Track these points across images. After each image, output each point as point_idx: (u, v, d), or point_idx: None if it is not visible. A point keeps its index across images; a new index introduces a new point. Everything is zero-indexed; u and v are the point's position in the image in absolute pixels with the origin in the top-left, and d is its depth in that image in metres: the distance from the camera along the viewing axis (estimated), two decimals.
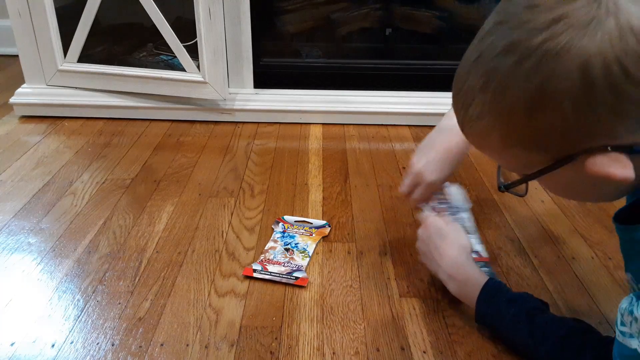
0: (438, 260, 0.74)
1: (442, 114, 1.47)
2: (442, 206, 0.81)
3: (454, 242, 0.74)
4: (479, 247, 0.78)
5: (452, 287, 0.73)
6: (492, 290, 0.68)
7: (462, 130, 0.53)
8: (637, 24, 0.40)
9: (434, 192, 0.81)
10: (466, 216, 0.82)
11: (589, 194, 0.54)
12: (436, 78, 1.43)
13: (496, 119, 0.48)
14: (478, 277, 0.70)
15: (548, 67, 0.43)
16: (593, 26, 0.41)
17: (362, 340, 0.71)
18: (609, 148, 0.45)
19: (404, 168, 1.17)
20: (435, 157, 0.80)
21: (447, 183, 0.82)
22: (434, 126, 1.24)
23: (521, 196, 0.58)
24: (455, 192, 0.82)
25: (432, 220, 0.77)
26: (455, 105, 0.52)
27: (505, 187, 0.56)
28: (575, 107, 0.43)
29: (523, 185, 0.55)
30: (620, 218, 0.55)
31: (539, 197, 1.05)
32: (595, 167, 0.45)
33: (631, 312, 0.48)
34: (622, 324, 0.49)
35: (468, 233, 0.79)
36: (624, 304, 0.50)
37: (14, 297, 0.78)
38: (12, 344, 0.69)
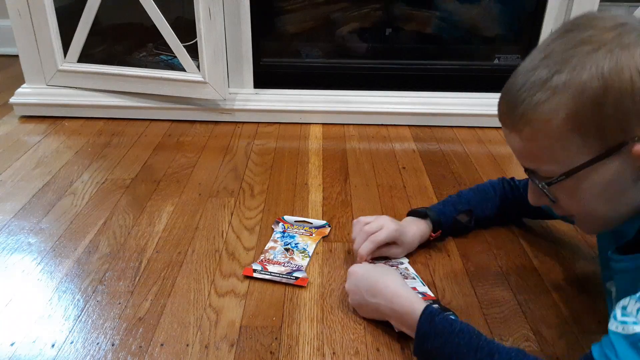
0: (377, 299, 0.70)
1: (442, 114, 1.47)
2: (380, 262, 0.83)
3: (388, 276, 0.73)
4: (425, 289, 0.78)
5: (395, 319, 0.69)
6: (434, 312, 0.65)
7: (520, 122, 0.57)
8: None
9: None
10: (407, 265, 0.84)
11: (616, 196, 0.58)
12: (436, 78, 1.43)
13: (569, 96, 0.53)
14: (421, 304, 0.66)
15: (623, 53, 0.51)
16: None
17: (362, 340, 0.71)
18: None
19: (404, 168, 1.17)
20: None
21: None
22: (434, 126, 1.26)
23: (553, 202, 0.62)
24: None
25: (357, 267, 0.76)
26: (514, 100, 0.57)
27: (548, 184, 0.59)
28: None
29: (553, 192, 0.60)
30: (627, 249, 0.60)
31: None
32: None
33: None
34: (625, 314, 0.51)
35: (413, 279, 0.80)
36: (626, 299, 0.51)
37: (14, 297, 0.78)
38: (12, 344, 0.69)
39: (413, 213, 0.89)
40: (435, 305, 0.67)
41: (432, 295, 0.77)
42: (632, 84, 0.51)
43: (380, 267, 0.78)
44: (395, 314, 0.69)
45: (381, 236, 0.81)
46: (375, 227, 0.82)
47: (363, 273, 0.74)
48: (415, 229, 0.86)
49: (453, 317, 0.65)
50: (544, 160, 0.59)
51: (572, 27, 0.56)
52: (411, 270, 0.83)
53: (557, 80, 0.54)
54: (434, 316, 0.64)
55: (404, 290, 0.70)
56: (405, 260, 0.85)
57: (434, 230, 0.87)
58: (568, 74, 0.53)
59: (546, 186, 0.60)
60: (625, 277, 0.60)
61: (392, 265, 0.82)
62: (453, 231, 0.91)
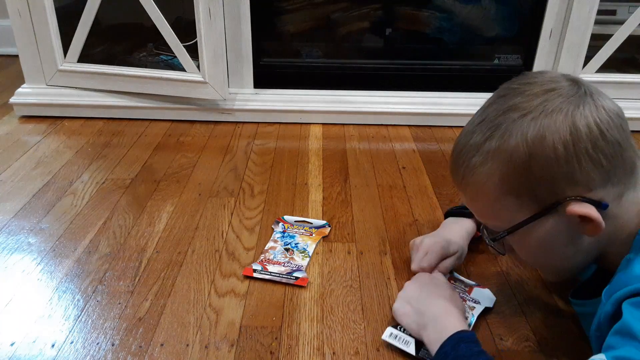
0: (427, 305, 0.69)
1: (442, 114, 1.47)
2: (457, 289, 0.77)
3: (447, 290, 0.72)
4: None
5: (429, 332, 0.65)
6: (465, 338, 0.62)
7: (462, 182, 0.61)
8: (607, 105, 0.57)
9: (454, 279, 0.80)
10: (477, 308, 0.75)
11: (560, 250, 0.62)
12: (436, 78, 1.43)
13: (500, 161, 0.57)
14: (458, 326, 0.64)
15: (545, 120, 0.55)
16: (577, 98, 0.56)
17: (362, 340, 0.71)
18: (584, 199, 0.56)
19: (404, 168, 1.17)
20: (428, 233, 0.84)
21: (475, 283, 0.80)
22: (433, 126, 1.25)
23: (501, 254, 0.67)
24: (481, 291, 0.78)
25: (426, 274, 0.76)
26: (457, 162, 0.61)
27: (493, 240, 0.64)
28: (567, 151, 0.54)
29: (503, 245, 0.65)
30: (583, 293, 0.66)
31: None
32: (575, 209, 0.56)
33: None
34: None
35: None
36: None
37: (14, 297, 0.78)
38: (12, 344, 0.69)
39: (454, 213, 0.87)
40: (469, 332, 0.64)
41: None
42: (554, 150, 0.54)
43: (444, 280, 0.75)
44: (435, 324, 0.65)
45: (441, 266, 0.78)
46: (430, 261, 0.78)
47: (428, 278, 0.75)
48: (459, 228, 0.84)
49: (480, 350, 0.62)
50: (489, 217, 0.64)
51: (505, 92, 0.59)
52: (471, 314, 0.74)
53: (489, 146, 0.57)
54: (460, 342, 0.61)
55: (458, 310, 0.68)
56: (482, 306, 0.75)
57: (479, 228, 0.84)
58: (498, 140, 0.57)
59: (491, 242, 0.64)
60: (587, 320, 0.61)
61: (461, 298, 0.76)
62: None
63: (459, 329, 0.63)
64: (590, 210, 0.55)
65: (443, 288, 0.73)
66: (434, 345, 0.63)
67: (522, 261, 0.69)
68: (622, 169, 0.57)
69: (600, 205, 0.56)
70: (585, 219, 0.56)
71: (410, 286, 0.74)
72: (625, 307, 0.52)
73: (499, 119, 0.57)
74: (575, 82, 0.58)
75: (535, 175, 0.56)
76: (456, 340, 0.62)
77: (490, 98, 0.62)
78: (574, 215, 0.56)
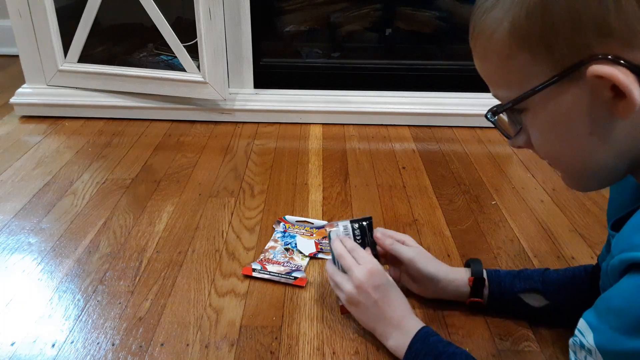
0: (384, 312, 0.67)
1: (442, 114, 1.47)
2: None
3: (399, 291, 0.69)
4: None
5: (394, 338, 0.66)
6: (430, 332, 0.64)
7: (472, 36, 0.49)
8: None
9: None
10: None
11: (582, 137, 0.46)
12: (436, 78, 1.43)
13: (512, 2, 0.43)
14: (418, 324, 0.65)
15: None
16: None
17: (362, 340, 0.71)
18: (621, 61, 0.39)
19: (404, 168, 1.17)
20: None
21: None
22: (433, 126, 1.25)
23: (507, 137, 0.52)
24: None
25: (375, 267, 0.69)
26: (473, 14, 0.48)
27: (493, 113, 0.50)
28: None
29: (510, 124, 0.51)
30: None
31: (538, 197, 1.06)
32: (598, 69, 0.40)
33: (582, 346, 0.44)
34: None
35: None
36: (571, 340, 0.47)
37: (15, 297, 0.78)
38: (12, 344, 0.69)
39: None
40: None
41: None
42: None
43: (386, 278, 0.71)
44: (399, 332, 0.66)
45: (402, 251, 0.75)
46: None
47: (380, 276, 0.68)
48: (451, 269, 0.76)
49: (448, 341, 0.63)
50: (499, 84, 0.49)
51: None
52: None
53: None
54: (429, 336, 0.63)
55: (410, 311, 0.68)
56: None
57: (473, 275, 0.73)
58: None
59: (491, 115, 0.50)
60: None
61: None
62: (510, 305, 0.73)
63: (422, 325, 0.65)
64: (618, 73, 0.39)
65: (394, 287, 0.69)
66: (395, 343, 0.65)
67: (536, 152, 0.52)
68: None
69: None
70: (617, 92, 0.40)
71: (357, 294, 0.67)
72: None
73: None
74: None
75: (554, 18, 0.41)
76: (424, 335, 0.63)
77: None
78: (597, 78, 0.40)
